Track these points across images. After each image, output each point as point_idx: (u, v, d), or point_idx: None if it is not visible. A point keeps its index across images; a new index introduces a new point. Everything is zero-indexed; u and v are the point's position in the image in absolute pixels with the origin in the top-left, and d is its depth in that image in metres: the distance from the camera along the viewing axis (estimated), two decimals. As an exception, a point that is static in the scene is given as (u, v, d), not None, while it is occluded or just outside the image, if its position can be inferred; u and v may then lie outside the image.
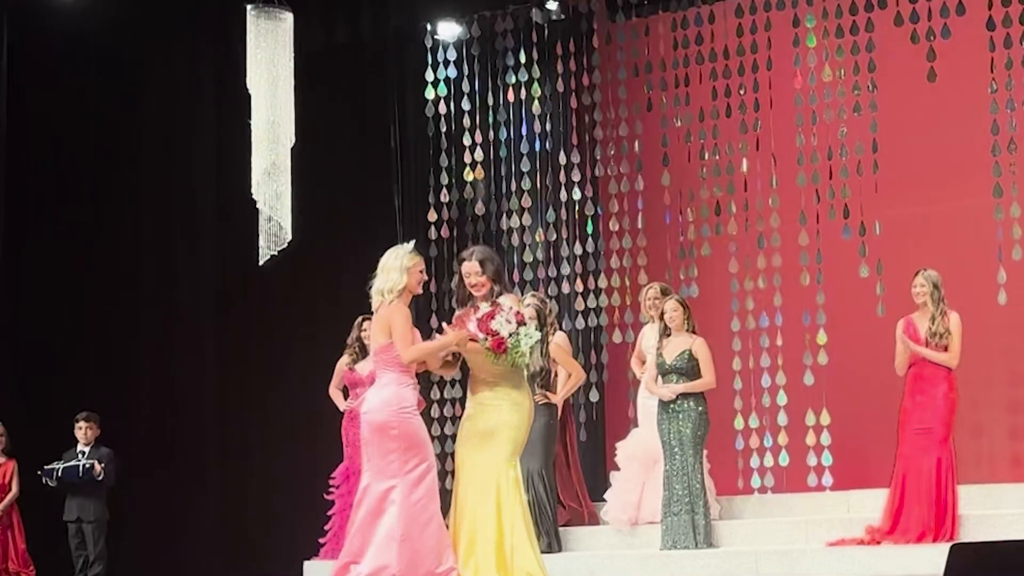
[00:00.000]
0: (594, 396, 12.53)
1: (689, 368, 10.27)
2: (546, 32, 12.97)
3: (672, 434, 10.27)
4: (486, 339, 7.65)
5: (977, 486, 10.58)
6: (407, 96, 13.42)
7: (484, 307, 7.78)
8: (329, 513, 11.30)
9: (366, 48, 13.34)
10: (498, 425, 7.84)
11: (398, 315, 7.76)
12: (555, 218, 12.97)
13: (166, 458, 13.17)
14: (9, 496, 11.65)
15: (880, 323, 11.01)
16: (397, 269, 7.79)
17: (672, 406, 10.26)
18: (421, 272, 7.90)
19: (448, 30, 13.15)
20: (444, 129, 13.20)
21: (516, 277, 12.89)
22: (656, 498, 10.55)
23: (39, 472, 11.66)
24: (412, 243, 7.97)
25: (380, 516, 7.69)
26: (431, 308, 12.56)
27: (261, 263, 11.22)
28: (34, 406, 12.71)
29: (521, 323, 7.67)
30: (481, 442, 7.85)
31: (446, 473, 10.59)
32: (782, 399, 11.89)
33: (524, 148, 13.13)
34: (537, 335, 7.86)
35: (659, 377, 10.38)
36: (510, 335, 7.62)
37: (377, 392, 7.83)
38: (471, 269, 7.91)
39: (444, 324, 8.04)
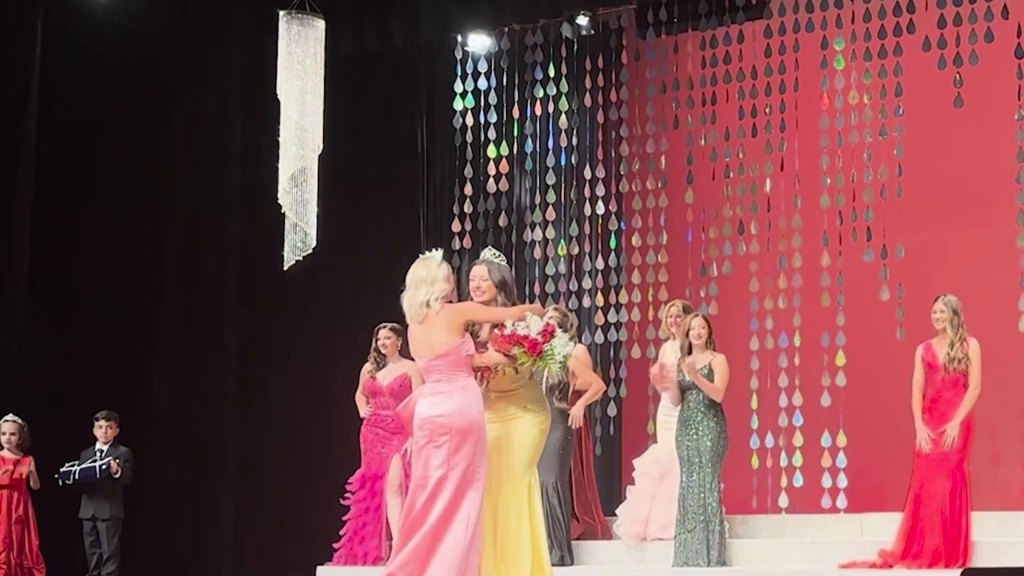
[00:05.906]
0: (611, 411, 12.56)
1: (709, 384, 10.28)
2: (575, 47, 13.01)
3: (691, 450, 10.23)
4: (521, 347, 7.70)
5: (992, 513, 10.57)
6: (435, 106, 13.48)
7: (508, 327, 7.81)
8: (344, 519, 11.33)
9: (396, 58, 13.38)
10: (514, 436, 7.88)
11: (465, 309, 7.82)
12: (578, 232, 13.02)
13: (183, 459, 13.21)
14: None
15: (899, 347, 10.99)
16: (443, 279, 7.80)
17: (692, 422, 10.23)
18: (450, 280, 7.96)
19: (478, 42, 13.21)
20: (471, 140, 13.27)
21: (538, 290, 12.94)
22: (664, 514, 10.57)
23: (56, 476, 11.68)
24: (440, 252, 7.97)
25: (450, 522, 7.56)
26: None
27: (286, 268, 11.26)
28: (54, 404, 12.76)
29: (551, 333, 7.73)
30: (497, 453, 7.87)
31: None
32: (798, 420, 11.90)
33: (550, 161, 13.18)
34: (571, 344, 7.95)
35: (681, 394, 10.37)
36: (538, 333, 7.68)
37: (453, 395, 7.65)
38: (477, 273, 8.00)
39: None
